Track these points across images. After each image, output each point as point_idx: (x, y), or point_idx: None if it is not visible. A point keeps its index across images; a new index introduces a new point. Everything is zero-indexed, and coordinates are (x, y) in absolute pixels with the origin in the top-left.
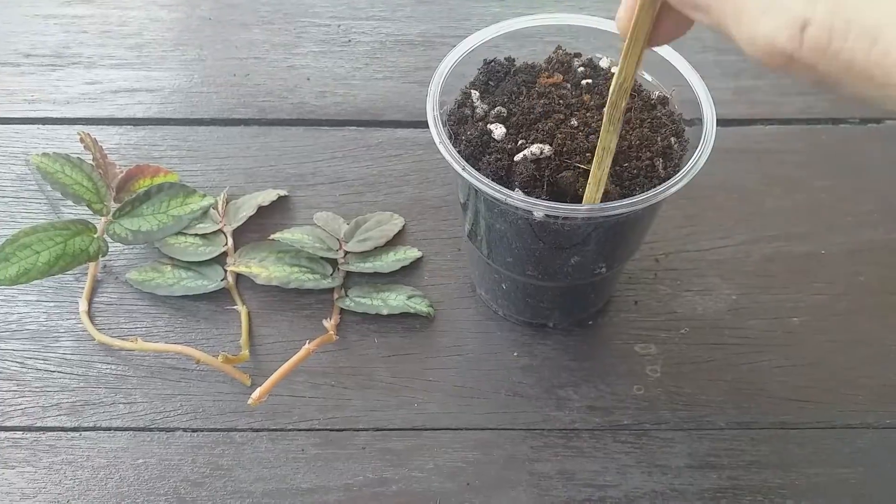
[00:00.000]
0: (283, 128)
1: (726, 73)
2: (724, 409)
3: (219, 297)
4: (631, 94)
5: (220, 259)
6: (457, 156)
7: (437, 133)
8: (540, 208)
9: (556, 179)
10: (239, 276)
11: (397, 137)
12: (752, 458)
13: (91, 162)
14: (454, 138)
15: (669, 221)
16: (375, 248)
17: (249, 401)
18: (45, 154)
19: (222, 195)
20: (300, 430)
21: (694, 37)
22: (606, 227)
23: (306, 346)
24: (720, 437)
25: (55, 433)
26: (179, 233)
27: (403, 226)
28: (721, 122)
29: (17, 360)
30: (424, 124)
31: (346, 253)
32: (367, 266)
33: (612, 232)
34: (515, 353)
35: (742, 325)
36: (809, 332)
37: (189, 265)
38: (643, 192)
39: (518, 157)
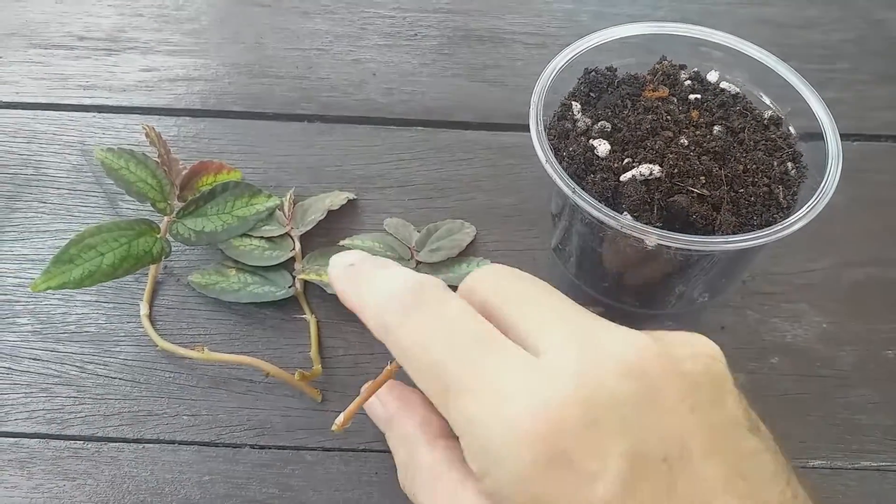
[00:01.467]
0: (349, 126)
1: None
2: (816, 447)
3: (286, 304)
4: (742, 113)
5: (288, 265)
6: (565, 176)
7: (542, 150)
8: (653, 237)
9: (668, 204)
10: (307, 284)
11: (467, 140)
12: (847, 500)
13: (155, 158)
14: (554, 153)
15: None
16: (448, 258)
17: (333, 427)
18: (109, 149)
19: (289, 196)
20: (373, 451)
21: (775, 42)
22: (721, 257)
23: (388, 366)
24: (812, 477)
25: (117, 444)
26: (244, 235)
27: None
28: (804, 138)
29: (77, 365)
30: (494, 127)
31: (418, 263)
32: (441, 278)
33: (724, 263)
34: None
35: (834, 355)
36: None
37: (255, 270)
38: (761, 220)
39: (625, 178)
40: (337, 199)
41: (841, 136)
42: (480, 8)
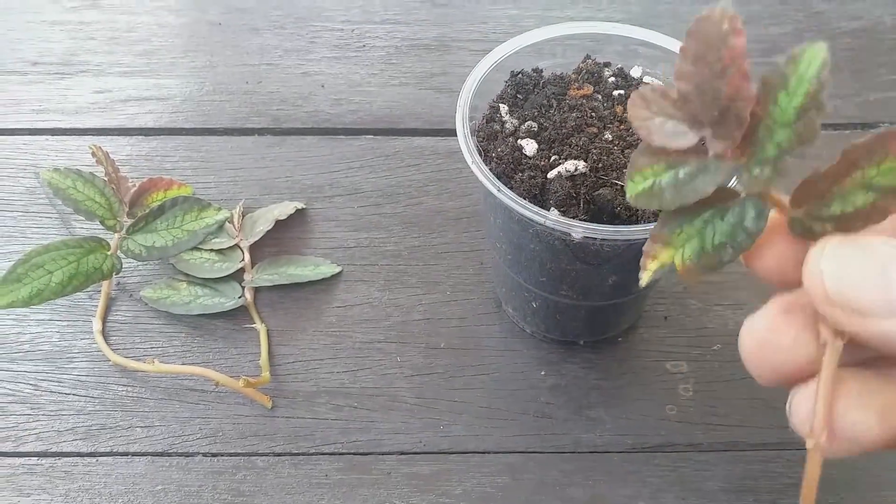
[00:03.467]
0: (298, 137)
1: None
2: (760, 429)
3: (236, 315)
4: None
5: (237, 275)
6: (491, 176)
7: (469, 152)
8: (578, 230)
9: (593, 197)
10: (257, 293)
11: (415, 146)
12: (790, 480)
13: (103, 177)
14: (484, 155)
15: None
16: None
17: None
18: (55, 169)
19: (238, 208)
20: (323, 454)
21: None
22: None
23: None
24: (756, 459)
25: (71, 458)
26: (194, 248)
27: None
28: None
29: (31, 383)
30: (442, 132)
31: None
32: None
33: None
34: (543, 373)
35: None
36: None
37: (205, 282)
38: None
39: (552, 175)
40: (285, 209)
41: None
42: (427, 17)
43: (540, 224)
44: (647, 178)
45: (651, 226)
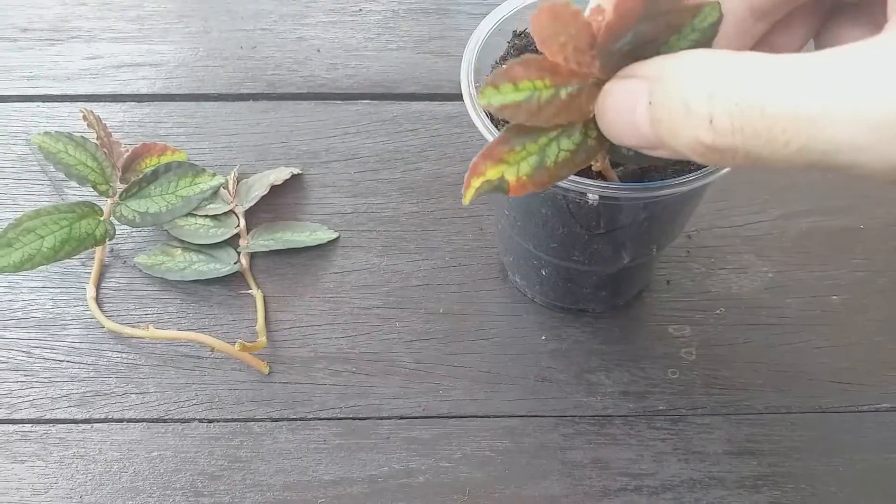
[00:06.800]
0: (294, 102)
1: None
2: (762, 392)
3: (232, 280)
4: None
5: (233, 241)
6: None
7: (476, 114)
8: (594, 190)
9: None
10: (253, 259)
11: (413, 111)
12: (792, 443)
13: (95, 141)
14: (490, 118)
15: None
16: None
17: None
18: (46, 133)
19: (233, 174)
20: (321, 419)
21: None
22: (664, 205)
23: None
24: (759, 423)
25: (65, 425)
26: (189, 214)
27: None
28: None
29: (24, 350)
30: (441, 97)
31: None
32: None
33: (668, 210)
34: (543, 337)
35: (779, 304)
36: (849, 311)
37: (200, 248)
38: (698, 163)
39: None
40: (281, 174)
41: None
42: None
43: (554, 186)
44: (523, 91)
45: (673, 181)
